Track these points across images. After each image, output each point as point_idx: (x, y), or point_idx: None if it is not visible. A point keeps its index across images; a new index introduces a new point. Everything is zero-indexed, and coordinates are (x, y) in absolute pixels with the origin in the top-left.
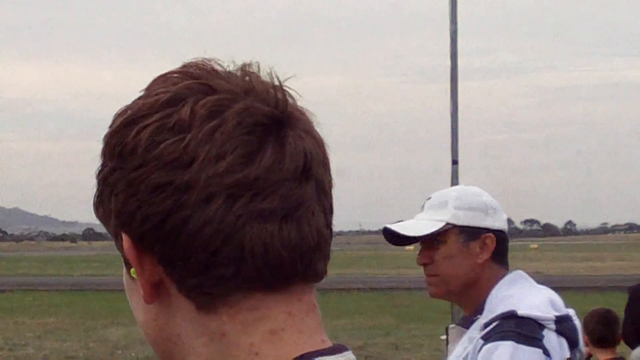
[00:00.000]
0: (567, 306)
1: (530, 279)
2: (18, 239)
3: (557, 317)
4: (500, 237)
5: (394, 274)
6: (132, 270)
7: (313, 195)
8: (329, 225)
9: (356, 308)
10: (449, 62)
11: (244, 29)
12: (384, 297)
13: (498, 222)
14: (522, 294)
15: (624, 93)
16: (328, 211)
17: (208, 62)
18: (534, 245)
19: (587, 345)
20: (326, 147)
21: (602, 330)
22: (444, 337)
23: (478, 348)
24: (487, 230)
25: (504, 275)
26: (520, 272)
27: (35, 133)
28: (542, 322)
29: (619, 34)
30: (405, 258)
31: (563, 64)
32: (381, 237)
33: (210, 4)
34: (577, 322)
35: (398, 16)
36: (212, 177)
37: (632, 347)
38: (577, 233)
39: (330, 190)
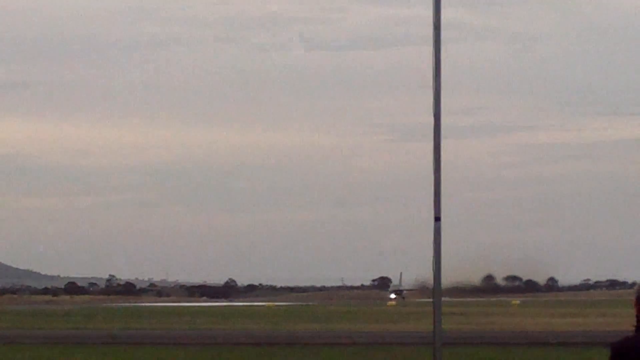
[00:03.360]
0: None
1: None
2: (0, 292)
3: None
4: None
5: (375, 329)
6: None
7: None
8: None
9: None
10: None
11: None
12: (365, 351)
13: None
14: None
15: (605, 152)
16: None
17: None
18: (516, 301)
19: None
20: None
21: None
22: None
23: None
24: None
25: None
26: None
27: (17, 187)
28: None
29: (604, 93)
30: (385, 313)
31: (545, 123)
32: (363, 292)
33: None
34: None
35: (381, 74)
36: None
37: None
38: (559, 289)
39: None
